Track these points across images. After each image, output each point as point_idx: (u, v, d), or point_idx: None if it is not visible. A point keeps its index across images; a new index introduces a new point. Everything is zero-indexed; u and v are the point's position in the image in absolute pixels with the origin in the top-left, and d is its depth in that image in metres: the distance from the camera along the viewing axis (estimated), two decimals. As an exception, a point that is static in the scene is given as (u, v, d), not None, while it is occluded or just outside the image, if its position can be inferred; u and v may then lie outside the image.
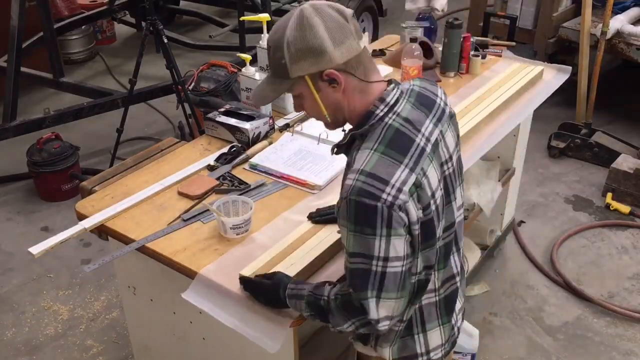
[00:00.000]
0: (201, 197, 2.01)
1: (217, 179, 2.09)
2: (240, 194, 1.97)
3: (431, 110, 1.46)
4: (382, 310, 1.37)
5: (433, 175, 1.39)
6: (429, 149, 1.40)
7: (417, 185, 1.34)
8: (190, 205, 1.97)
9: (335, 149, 1.50)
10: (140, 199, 1.99)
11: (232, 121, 2.30)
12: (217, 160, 2.19)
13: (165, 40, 3.57)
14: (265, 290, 1.57)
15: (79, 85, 4.47)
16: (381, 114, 1.40)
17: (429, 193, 1.37)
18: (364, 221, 1.31)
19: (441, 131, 1.46)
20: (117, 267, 2.10)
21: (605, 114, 4.49)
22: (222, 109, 2.38)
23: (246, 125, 2.27)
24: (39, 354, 2.80)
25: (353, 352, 1.76)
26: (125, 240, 1.86)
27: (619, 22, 4.24)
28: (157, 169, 2.17)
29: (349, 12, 1.39)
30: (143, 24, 4.69)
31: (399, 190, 1.31)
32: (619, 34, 4.24)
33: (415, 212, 1.34)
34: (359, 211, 1.31)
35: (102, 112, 4.13)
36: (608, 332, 2.88)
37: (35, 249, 1.79)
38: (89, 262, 3.24)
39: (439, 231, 1.44)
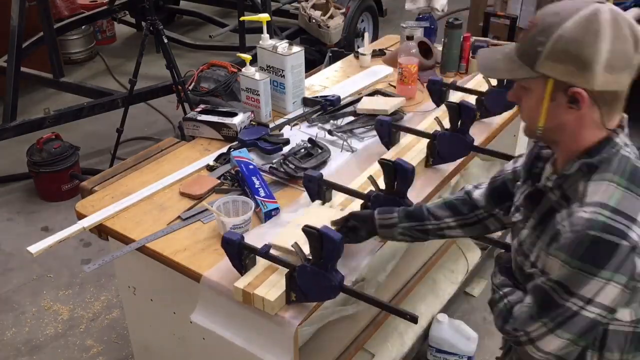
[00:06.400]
0: (202, 197, 2.00)
1: (217, 178, 2.09)
2: (240, 194, 1.97)
3: None
4: (549, 344, 1.22)
5: None
6: None
7: None
8: (190, 205, 1.98)
9: (552, 182, 1.29)
10: (140, 198, 1.99)
11: (216, 118, 2.31)
12: (216, 160, 2.19)
13: (165, 40, 3.57)
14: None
15: (79, 85, 4.47)
16: (621, 143, 1.22)
17: None
18: (593, 259, 1.15)
19: None
20: (117, 267, 2.10)
21: (605, 114, 4.48)
22: (199, 109, 2.40)
23: (233, 120, 2.28)
24: (39, 354, 2.80)
25: (355, 349, 1.76)
26: (125, 240, 1.86)
27: (619, 22, 4.24)
28: (157, 169, 2.17)
29: None
30: (143, 24, 4.69)
31: None
32: (619, 34, 4.24)
33: None
34: (595, 248, 1.15)
35: (102, 112, 4.12)
36: (608, 332, 2.87)
37: (34, 248, 1.79)
38: (89, 262, 3.22)
39: None
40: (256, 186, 1.95)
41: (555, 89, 1.19)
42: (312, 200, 1.92)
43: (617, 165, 1.20)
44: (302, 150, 2.18)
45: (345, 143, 2.25)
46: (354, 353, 2.17)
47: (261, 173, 2.04)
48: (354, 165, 2.18)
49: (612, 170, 1.20)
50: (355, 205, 1.88)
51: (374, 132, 2.34)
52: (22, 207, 3.79)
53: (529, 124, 1.30)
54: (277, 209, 1.89)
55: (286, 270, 1.58)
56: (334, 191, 1.93)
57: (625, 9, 4.43)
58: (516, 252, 1.38)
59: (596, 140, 1.22)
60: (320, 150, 2.19)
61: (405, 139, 2.21)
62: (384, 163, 1.76)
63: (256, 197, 1.90)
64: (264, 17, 2.43)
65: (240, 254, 1.62)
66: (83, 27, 5.46)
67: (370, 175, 1.83)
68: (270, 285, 1.60)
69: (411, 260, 2.53)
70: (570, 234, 1.17)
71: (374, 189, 1.81)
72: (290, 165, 2.09)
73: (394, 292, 2.40)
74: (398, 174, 1.75)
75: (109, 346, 2.82)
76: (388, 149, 2.18)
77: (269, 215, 1.87)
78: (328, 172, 2.09)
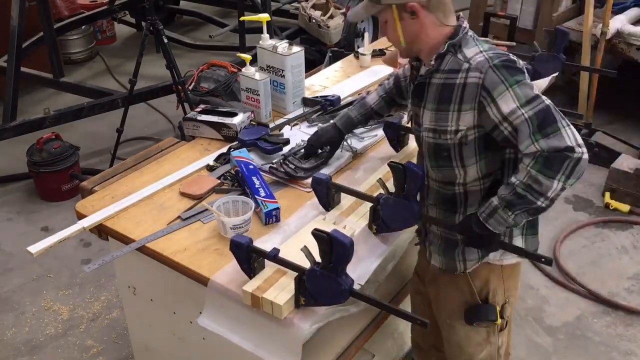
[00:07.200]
0: (202, 197, 2.00)
1: (217, 178, 2.09)
2: (240, 194, 1.97)
3: None
4: (575, 136, 1.51)
5: None
6: None
7: None
8: (190, 205, 1.97)
9: (433, 61, 1.68)
10: (140, 198, 1.99)
11: (216, 118, 2.32)
12: (216, 160, 2.19)
13: (165, 40, 3.58)
14: (466, 237, 1.71)
15: (79, 85, 4.48)
16: (467, 28, 1.68)
17: None
18: (515, 71, 1.57)
19: None
20: (117, 267, 2.09)
21: (605, 114, 4.49)
22: (199, 109, 2.39)
23: (233, 120, 2.29)
24: (39, 354, 2.80)
25: (355, 349, 1.76)
26: (125, 240, 1.86)
27: (619, 22, 4.24)
28: (157, 169, 2.17)
29: None
30: (143, 24, 4.69)
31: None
32: (619, 34, 4.24)
33: None
34: (507, 67, 1.57)
35: (102, 112, 4.13)
36: (608, 332, 2.88)
37: (34, 248, 1.79)
38: (89, 262, 3.24)
39: None
40: (256, 186, 1.95)
41: (398, 11, 1.65)
42: (321, 202, 1.90)
43: (473, 40, 1.67)
44: (302, 150, 2.18)
45: (345, 143, 2.25)
46: (354, 353, 2.17)
47: (261, 173, 2.04)
48: (354, 166, 2.18)
49: (472, 43, 1.65)
50: (364, 208, 1.87)
51: (374, 132, 2.34)
52: (22, 207, 3.79)
53: (397, 46, 1.75)
54: (277, 209, 1.88)
55: (295, 273, 1.56)
56: (342, 194, 1.91)
57: (625, 8, 4.43)
58: (428, 139, 1.72)
59: (448, 32, 1.67)
60: (320, 150, 2.19)
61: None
62: (393, 166, 1.74)
63: (256, 197, 1.90)
64: (264, 17, 2.43)
65: (249, 257, 1.60)
66: (83, 27, 5.47)
67: (380, 178, 1.82)
68: (279, 289, 1.58)
69: (411, 260, 2.53)
70: (486, 75, 1.56)
71: (382, 191, 1.80)
72: (290, 165, 2.09)
73: (394, 292, 2.40)
74: (408, 177, 1.72)
75: (109, 346, 2.82)
76: (397, 151, 2.18)
77: (269, 215, 1.87)
78: (327, 172, 2.09)
